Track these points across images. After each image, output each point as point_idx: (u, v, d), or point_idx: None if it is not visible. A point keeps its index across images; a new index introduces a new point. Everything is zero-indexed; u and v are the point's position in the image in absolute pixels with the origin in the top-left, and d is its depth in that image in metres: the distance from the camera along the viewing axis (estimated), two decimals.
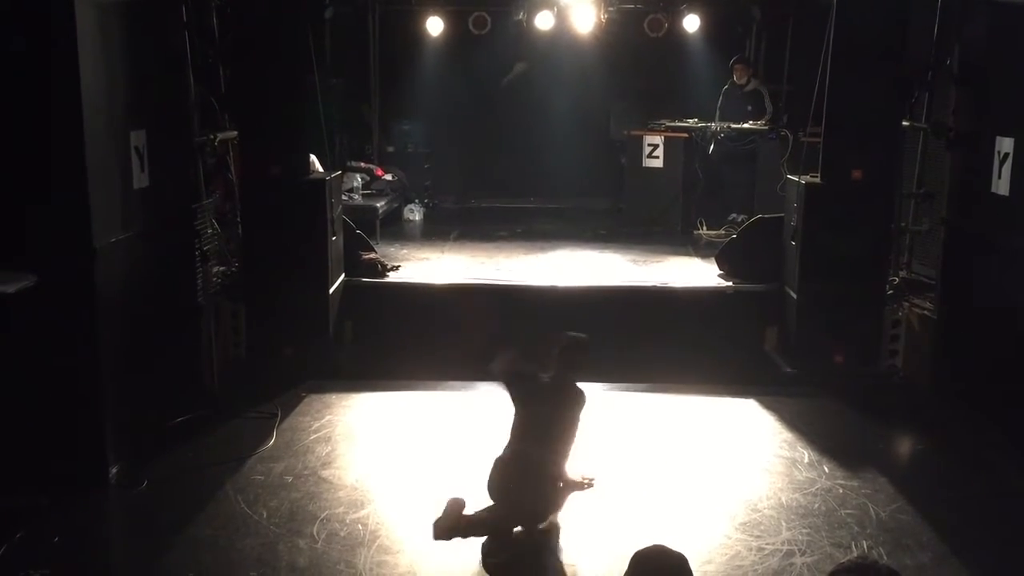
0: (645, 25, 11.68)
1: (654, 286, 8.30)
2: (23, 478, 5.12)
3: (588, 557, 4.73)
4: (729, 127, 10.72)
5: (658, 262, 9.22)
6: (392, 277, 8.41)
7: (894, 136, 7.30)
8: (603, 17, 11.32)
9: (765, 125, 10.68)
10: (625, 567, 2.96)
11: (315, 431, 6.27)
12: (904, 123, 7.40)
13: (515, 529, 4.87)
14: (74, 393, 5.28)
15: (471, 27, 11.79)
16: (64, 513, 5.01)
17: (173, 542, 4.80)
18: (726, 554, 4.72)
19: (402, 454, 5.94)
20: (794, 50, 11.33)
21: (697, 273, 8.76)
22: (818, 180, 7.36)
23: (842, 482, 5.55)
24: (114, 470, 5.48)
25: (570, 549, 4.80)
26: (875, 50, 7.00)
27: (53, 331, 5.18)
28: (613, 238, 10.41)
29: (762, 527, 4.99)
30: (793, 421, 6.51)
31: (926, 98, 7.41)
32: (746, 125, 10.71)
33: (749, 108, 10.89)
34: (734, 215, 10.59)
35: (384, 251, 9.21)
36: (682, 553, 3.11)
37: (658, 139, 10.94)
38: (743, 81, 11.02)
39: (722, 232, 10.21)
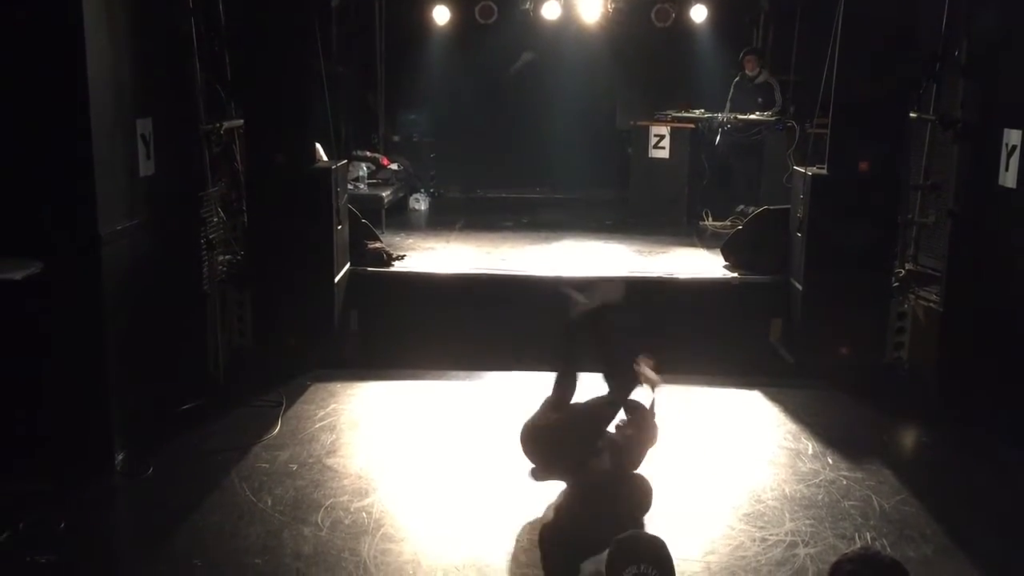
0: (652, 15, 11.66)
1: (659, 277, 8.27)
2: (29, 464, 5.15)
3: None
4: (736, 118, 10.68)
5: (663, 253, 9.21)
6: (397, 266, 8.40)
7: (901, 128, 7.27)
8: (610, 7, 11.30)
9: (773, 116, 10.65)
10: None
11: (320, 420, 6.28)
12: (911, 115, 7.37)
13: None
14: (80, 380, 5.29)
15: (477, 16, 11.78)
16: (70, 499, 5.02)
17: (178, 529, 4.81)
18: (729, 545, 4.72)
19: (407, 443, 5.95)
20: (801, 41, 11.27)
21: (702, 264, 8.75)
22: (825, 171, 7.33)
23: (846, 473, 5.55)
24: (120, 457, 5.50)
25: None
26: (883, 41, 6.98)
27: (59, 318, 5.20)
28: (618, 229, 10.40)
29: (766, 518, 5.00)
30: (797, 412, 6.51)
31: (934, 89, 7.37)
32: (753, 116, 10.68)
33: (760, 100, 10.86)
34: (740, 206, 10.54)
35: (389, 240, 9.20)
36: (659, 537, 3.14)
37: (664, 130, 10.90)
38: (754, 73, 10.98)
39: (728, 223, 10.19)
